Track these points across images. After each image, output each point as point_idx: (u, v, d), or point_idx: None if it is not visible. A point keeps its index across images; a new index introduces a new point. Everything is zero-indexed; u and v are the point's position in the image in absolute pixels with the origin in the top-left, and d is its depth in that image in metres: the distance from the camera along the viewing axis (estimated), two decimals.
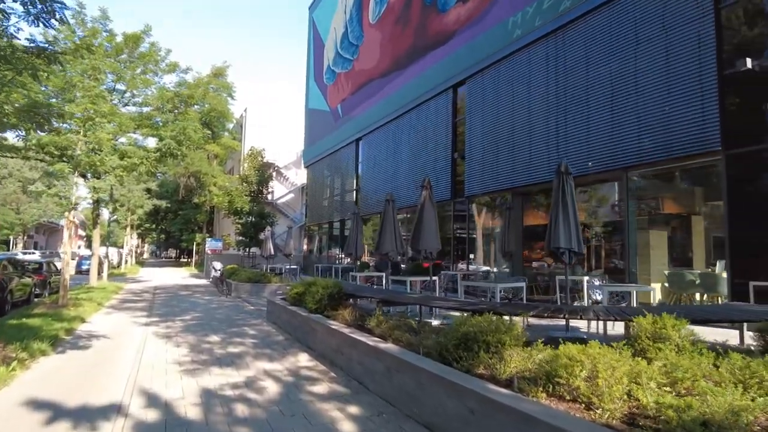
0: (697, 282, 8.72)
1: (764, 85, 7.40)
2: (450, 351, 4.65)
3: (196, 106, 33.82)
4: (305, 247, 30.03)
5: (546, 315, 5.09)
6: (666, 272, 9.33)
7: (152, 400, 4.94)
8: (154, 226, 53.37)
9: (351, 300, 8.30)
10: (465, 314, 5.55)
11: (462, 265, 14.38)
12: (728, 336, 5.53)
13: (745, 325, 5.56)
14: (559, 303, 9.25)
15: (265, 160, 31.77)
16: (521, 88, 11.97)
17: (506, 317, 5.38)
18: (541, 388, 3.62)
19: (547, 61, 11.23)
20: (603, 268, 11.13)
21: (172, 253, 74.89)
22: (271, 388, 5.35)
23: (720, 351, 4.01)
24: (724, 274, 7.91)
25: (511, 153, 12.10)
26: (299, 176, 40.27)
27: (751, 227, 7.41)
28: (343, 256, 23.64)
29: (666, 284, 9.35)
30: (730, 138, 7.63)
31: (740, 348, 4.98)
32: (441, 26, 15.33)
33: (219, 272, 18.47)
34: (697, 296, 8.75)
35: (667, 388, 3.46)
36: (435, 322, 7.48)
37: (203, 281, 24.23)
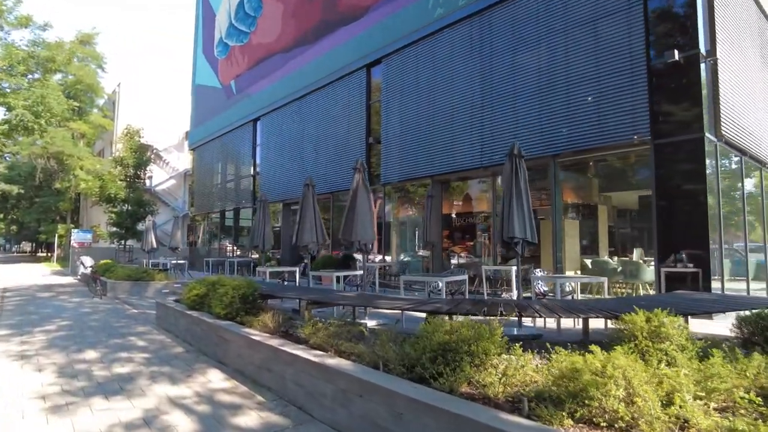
0: (619, 270, 8.86)
1: (690, 77, 7.53)
2: (425, 366, 3.76)
3: (58, 75, 28.87)
4: (188, 239, 27.18)
5: (534, 315, 4.42)
6: (589, 260, 9.40)
7: None
8: (1, 216, 45.27)
9: (267, 302, 7.07)
10: (438, 316, 4.70)
11: (375, 257, 13.62)
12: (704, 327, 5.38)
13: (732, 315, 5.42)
14: (504, 297, 8.85)
15: (143, 141, 28.07)
16: (443, 70, 11.42)
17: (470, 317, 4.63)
18: (565, 413, 2.88)
19: (471, 43, 10.78)
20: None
21: (27, 246, 65.02)
22: (183, 425, 4.02)
23: (725, 349, 3.63)
24: (651, 263, 8.04)
25: (432, 139, 11.52)
26: (181, 160, 36.56)
27: (676, 216, 7.55)
28: (235, 248, 21.67)
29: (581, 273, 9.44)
30: (659, 128, 7.72)
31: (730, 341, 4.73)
32: (353, 0, 14.26)
33: (89, 269, 15.63)
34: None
35: (700, 402, 2.93)
36: (370, 323, 6.55)
37: (69, 279, 20.57)
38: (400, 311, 5.65)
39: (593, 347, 3.61)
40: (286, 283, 10.52)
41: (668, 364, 3.55)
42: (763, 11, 10.47)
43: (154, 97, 35.69)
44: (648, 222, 9.30)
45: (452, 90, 11.14)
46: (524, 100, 9.63)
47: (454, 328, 3.98)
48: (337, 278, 9.03)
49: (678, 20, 7.78)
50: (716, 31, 7.82)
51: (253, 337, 5.39)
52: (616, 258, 9.25)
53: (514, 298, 8.75)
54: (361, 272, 8.43)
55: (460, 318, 5.00)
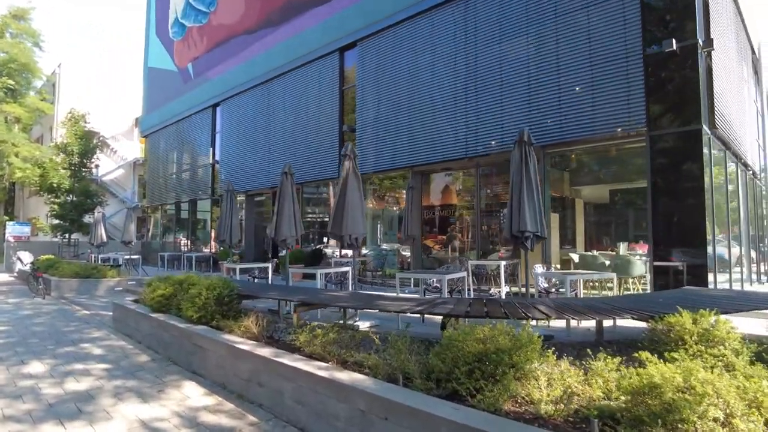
0: (607, 264, 8.67)
1: (688, 67, 7.35)
2: (460, 380, 3.24)
3: None
4: (137, 232, 25.45)
5: (566, 317, 3.97)
6: (575, 255, 9.18)
7: None
8: None
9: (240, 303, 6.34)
10: (452, 319, 4.18)
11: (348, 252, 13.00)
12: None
13: None
14: (492, 293, 8.47)
15: (89, 127, 25.99)
16: (424, 56, 10.89)
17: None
18: None
19: (455, 27, 10.30)
20: (500, 252, 10.79)
21: None
22: None
23: None
24: (642, 257, 7.87)
25: (412, 128, 10.99)
26: (131, 149, 34.34)
27: (672, 208, 7.39)
28: (190, 243, 20.45)
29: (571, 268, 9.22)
30: (655, 119, 7.52)
31: None
32: None
33: (29, 265, 14.13)
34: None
35: None
36: (363, 326, 5.98)
37: (4, 276, 18.71)
38: (393, 312, 5.11)
39: (645, 354, 3.20)
40: (256, 280, 9.74)
41: (726, 371, 3.19)
42: (738, 8, 10.55)
43: (100, 81, 33.25)
44: (636, 215, 9.19)
45: (434, 77, 10.64)
46: (512, 88, 9.26)
47: (488, 336, 3.47)
48: (311, 275, 8.35)
49: (675, 9, 7.58)
50: (710, 22, 7.68)
51: (238, 346, 4.70)
52: (596, 251, 9.08)
53: (503, 295, 8.41)
54: (347, 269, 7.83)
55: (478, 322, 4.52)
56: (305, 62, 14.03)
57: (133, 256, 16.73)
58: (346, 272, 7.85)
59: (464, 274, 6.58)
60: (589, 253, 9.08)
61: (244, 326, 5.30)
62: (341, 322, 6.24)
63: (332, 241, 14.19)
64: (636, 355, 3.48)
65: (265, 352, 4.46)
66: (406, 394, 3.22)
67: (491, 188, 11.17)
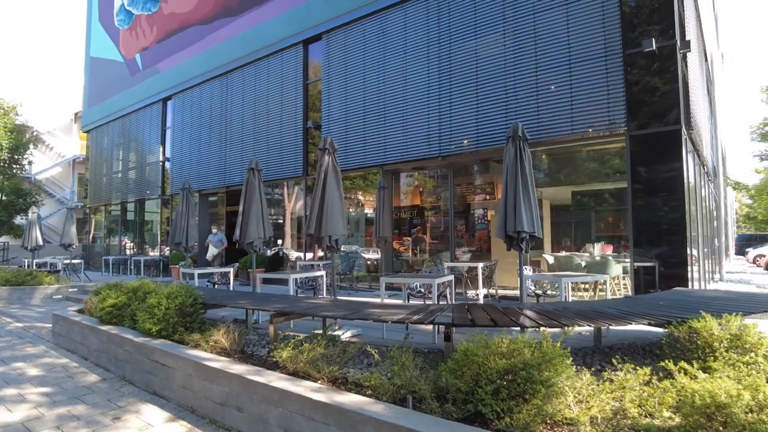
0: (584, 265, 8.57)
1: (667, 67, 7.32)
2: (485, 401, 2.82)
3: None
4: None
5: (573, 324, 3.63)
6: (549, 256, 9.04)
7: None
8: None
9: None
10: (466, 329, 3.75)
11: (307, 254, 12.41)
12: None
13: None
14: (470, 295, 8.14)
15: (20, 120, 23.87)
16: (395, 51, 10.48)
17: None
18: None
19: (428, 22, 9.96)
20: (471, 250, 10.56)
21: None
22: None
23: None
24: (616, 257, 7.79)
25: (382, 125, 10.56)
26: (69, 145, 32.02)
27: (652, 209, 7.33)
28: (135, 245, 19.12)
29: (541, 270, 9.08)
30: (635, 119, 7.46)
31: None
32: None
33: None
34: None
35: None
36: (345, 335, 5.48)
37: None
38: (391, 322, 4.65)
39: (682, 365, 2.92)
40: (216, 286, 8.98)
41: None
42: (699, 15, 10.83)
43: (34, 71, 30.79)
44: (604, 216, 9.16)
45: (406, 73, 10.26)
46: (487, 86, 9.02)
47: (512, 349, 3.07)
48: (274, 280, 7.74)
49: (654, 10, 7.55)
50: (685, 24, 7.73)
51: (209, 364, 4.09)
52: (564, 252, 8.98)
53: (481, 299, 8.12)
54: (321, 273, 7.27)
55: (484, 332, 4.13)
56: (266, 54, 13.30)
57: (74, 261, 15.34)
58: (319, 277, 7.30)
59: (451, 277, 6.21)
60: (564, 254, 8.97)
61: (214, 340, 4.68)
62: (319, 332, 5.72)
63: (288, 243, 13.53)
64: (662, 364, 3.21)
65: (240, 369, 3.88)
66: (424, 420, 2.77)
67: (464, 188, 10.93)
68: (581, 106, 7.90)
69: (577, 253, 9.07)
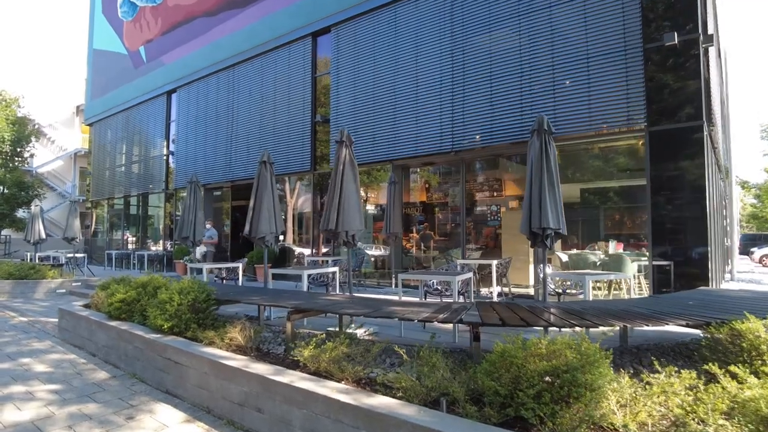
0: (598, 263, 8.41)
1: (689, 61, 7.15)
2: (527, 404, 2.67)
3: None
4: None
5: (612, 324, 3.48)
6: (564, 254, 8.87)
7: None
8: None
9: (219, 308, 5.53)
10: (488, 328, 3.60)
11: (312, 250, 12.25)
12: None
13: None
14: (484, 294, 7.99)
15: (22, 113, 23.67)
16: (407, 43, 10.29)
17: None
18: None
19: (442, 14, 9.77)
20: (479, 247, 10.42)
21: None
22: None
23: None
24: (640, 257, 7.63)
25: (393, 119, 10.38)
26: (71, 139, 31.81)
27: (672, 206, 7.18)
28: (138, 239, 18.96)
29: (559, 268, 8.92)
30: (655, 114, 7.29)
31: None
32: None
33: None
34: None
35: None
36: (360, 332, 5.33)
37: None
38: (416, 321, 4.49)
39: (734, 368, 2.77)
40: (224, 281, 8.84)
41: None
42: (715, 9, 10.64)
43: (36, 64, 30.57)
44: (625, 212, 8.99)
45: (417, 66, 10.07)
46: (502, 80, 8.84)
47: (551, 351, 2.92)
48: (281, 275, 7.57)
49: (676, 2, 7.36)
50: (707, 18, 7.55)
51: (226, 362, 3.94)
52: (575, 250, 8.82)
53: (495, 297, 7.97)
54: (334, 269, 7.12)
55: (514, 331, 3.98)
56: (274, 47, 13.11)
57: (77, 255, 15.18)
58: (333, 273, 7.15)
59: (470, 275, 6.06)
60: (577, 252, 8.81)
61: (230, 337, 4.53)
62: (333, 329, 5.57)
63: (289, 238, 13.36)
64: (706, 367, 3.06)
65: (261, 369, 3.73)
66: (463, 425, 2.62)
67: (476, 184, 10.78)
68: (599, 100, 7.73)
69: (590, 251, 8.92)
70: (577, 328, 3.79)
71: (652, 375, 3.20)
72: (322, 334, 5.42)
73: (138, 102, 18.66)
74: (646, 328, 4.08)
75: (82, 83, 23.65)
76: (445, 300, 5.93)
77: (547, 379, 2.77)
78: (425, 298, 5.99)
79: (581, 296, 6.13)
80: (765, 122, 20.53)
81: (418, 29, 10.12)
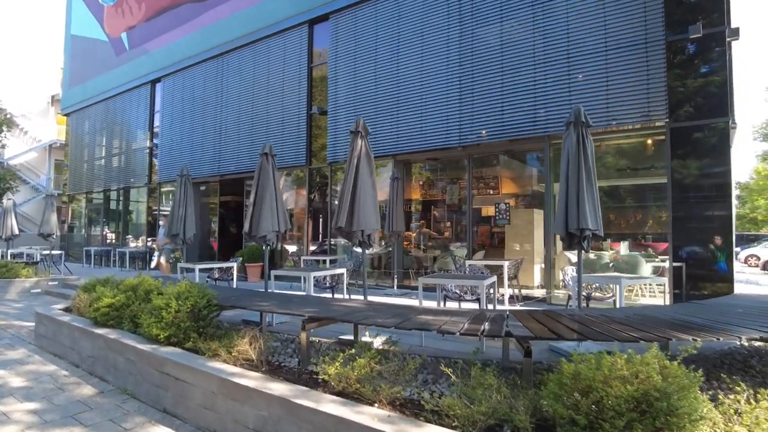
0: (611, 265, 8.10)
1: (714, 56, 6.84)
2: None
3: None
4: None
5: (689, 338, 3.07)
6: (572, 254, 8.52)
7: None
8: None
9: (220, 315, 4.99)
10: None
11: (308, 248, 11.73)
12: None
13: None
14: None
15: None
16: (411, 33, 9.81)
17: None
18: None
19: (448, 2, 9.31)
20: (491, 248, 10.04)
21: None
22: None
23: None
24: (656, 258, 7.32)
25: (395, 111, 9.90)
26: (45, 130, 30.46)
27: (695, 205, 6.87)
28: (118, 236, 18.12)
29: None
30: (677, 110, 6.97)
31: None
32: None
33: None
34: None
35: None
36: (376, 342, 4.85)
37: None
38: (459, 334, 4.04)
39: None
40: (217, 282, 8.26)
41: None
42: None
43: (7, 50, 29.18)
44: (642, 211, 8.68)
45: (423, 56, 9.60)
46: (513, 72, 8.44)
47: (633, 372, 2.50)
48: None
49: None
50: (731, 8, 7.24)
51: (238, 381, 3.44)
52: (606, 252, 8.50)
53: (506, 300, 7.59)
54: (342, 271, 6.63)
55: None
56: (267, 35, 12.49)
57: (53, 252, 14.34)
58: (340, 275, 6.66)
59: (494, 278, 5.63)
60: (591, 253, 8.48)
61: (238, 350, 4.01)
62: (345, 337, 5.09)
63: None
64: None
65: (282, 389, 3.24)
66: None
67: (483, 181, 10.39)
68: (618, 95, 7.38)
69: (604, 252, 8.60)
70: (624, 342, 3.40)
71: (728, 396, 2.84)
72: (331, 342, 4.96)
73: (120, 91, 17.79)
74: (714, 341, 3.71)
75: (58, 72, 22.56)
76: (465, 306, 5.50)
77: (639, 406, 2.35)
78: (444, 303, 5.55)
79: (609, 301, 5.76)
80: (757, 123, 20.53)
81: (423, 16, 9.64)
